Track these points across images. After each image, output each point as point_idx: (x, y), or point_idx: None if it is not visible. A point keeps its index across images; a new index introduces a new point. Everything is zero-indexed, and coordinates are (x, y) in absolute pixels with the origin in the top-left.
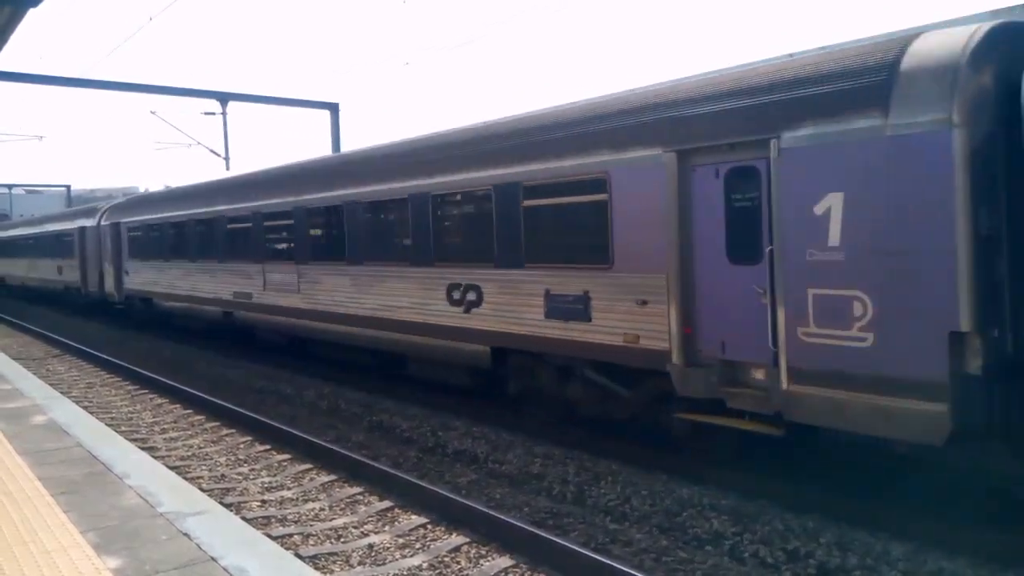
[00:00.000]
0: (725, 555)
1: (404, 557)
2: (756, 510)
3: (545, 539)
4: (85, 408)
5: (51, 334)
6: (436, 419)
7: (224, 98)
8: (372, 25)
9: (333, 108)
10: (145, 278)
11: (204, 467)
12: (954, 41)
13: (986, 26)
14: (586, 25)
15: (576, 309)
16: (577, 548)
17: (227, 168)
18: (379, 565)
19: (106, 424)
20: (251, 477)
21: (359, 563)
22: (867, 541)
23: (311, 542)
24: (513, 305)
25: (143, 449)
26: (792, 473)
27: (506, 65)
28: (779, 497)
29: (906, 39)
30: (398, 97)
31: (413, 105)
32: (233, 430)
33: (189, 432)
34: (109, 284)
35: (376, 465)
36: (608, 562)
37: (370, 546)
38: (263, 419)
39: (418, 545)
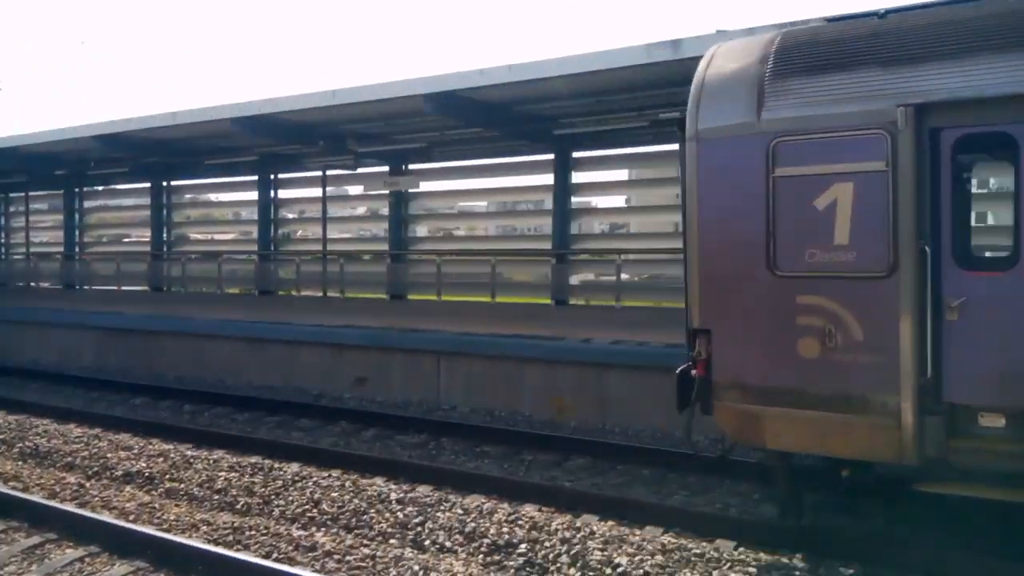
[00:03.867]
0: (408, 546)
1: None
2: (438, 499)
3: (222, 556)
4: None
5: None
6: (104, 439)
7: None
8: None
9: None
10: None
11: None
12: None
13: None
14: None
15: None
16: (258, 561)
17: None
18: None
19: None
20: None
21: None
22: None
23: None
24: None
25: None
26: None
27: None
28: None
29: None
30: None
31: None
32: None
33: None
34: None
35: (25, 497)
36: (288, 570)
37: None
38: None
39: None
